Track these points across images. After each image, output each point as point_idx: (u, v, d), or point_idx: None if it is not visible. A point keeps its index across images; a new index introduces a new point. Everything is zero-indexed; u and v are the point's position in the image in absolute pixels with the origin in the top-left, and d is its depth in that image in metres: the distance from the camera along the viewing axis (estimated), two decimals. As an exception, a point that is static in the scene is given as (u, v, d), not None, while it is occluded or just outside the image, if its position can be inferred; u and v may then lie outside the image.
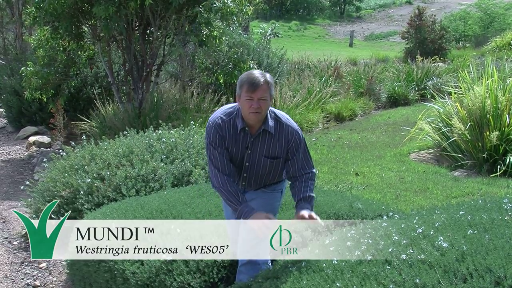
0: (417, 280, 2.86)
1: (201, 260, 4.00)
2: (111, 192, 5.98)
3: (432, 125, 10.44)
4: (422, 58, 20.31)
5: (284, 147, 3.95)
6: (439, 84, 17.98)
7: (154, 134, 7.15)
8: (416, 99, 18.00)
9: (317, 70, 19.13)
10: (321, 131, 13.66)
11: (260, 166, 3.99)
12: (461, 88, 10.31)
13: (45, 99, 11.26)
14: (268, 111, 3.90)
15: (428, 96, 16.80)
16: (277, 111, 4.01)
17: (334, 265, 3.28)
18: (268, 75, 3.86)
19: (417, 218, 3.89)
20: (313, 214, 3.80)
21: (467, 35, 34.72)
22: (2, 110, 14.69)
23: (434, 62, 20.84)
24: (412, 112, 15.57)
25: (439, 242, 3.16)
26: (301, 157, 3.99)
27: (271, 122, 3.91)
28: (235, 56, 12.88)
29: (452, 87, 11.25)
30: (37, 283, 5.67)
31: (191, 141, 6.88)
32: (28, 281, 5.73)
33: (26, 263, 6.12)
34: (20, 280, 5.76)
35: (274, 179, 4.14)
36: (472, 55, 24.63)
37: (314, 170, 4.07)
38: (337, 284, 3.05)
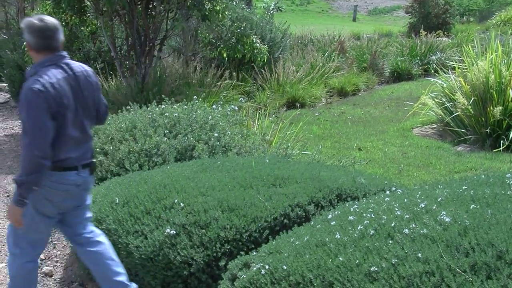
0: (420, 255, 2.88)
1: (205, 235, 4.02)
2: (115, 166, 6.00)
3: (436, 100, 10.42)
4: (425, 32, 20.21)
5: None
6: (443, 59, 17.90)
7: (157, 108, 7.14)
8: (419, 74, 17.96)
9: (321, 45, 19.04)
10: (324, 106, 13.65)
11: None
12: (464, 63, 10.26)
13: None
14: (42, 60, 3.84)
15: (432, 71, 16.72)
16: (43, 68, 3.83)
17: (337, 240, 3.29)
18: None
19: (419, 192, 3.90)
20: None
21: (471, 10, 34.47)
22: (5, 84, 14.69)
23: (438, 37, 20.76)
24: (416, 87, 15.54)
25: (442, 217, 3.17)
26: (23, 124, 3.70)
27: (30, 70, 3.84)
28: (238, 30, 12.82)
29: (456, 62, 11.21)
30: (42, 256, 5.69)
31: (194, 115, 6.87)
32: (33, 254, 5.75)
33: (31, 237, 6.15)
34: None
35: None
36: (476, 30, 24.55)
37: (29, 145, 3.65)
38: (340, 259, 3.07)
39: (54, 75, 3.74)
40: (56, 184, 3.87)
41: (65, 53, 3.92)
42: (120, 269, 4.16)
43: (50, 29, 3.78)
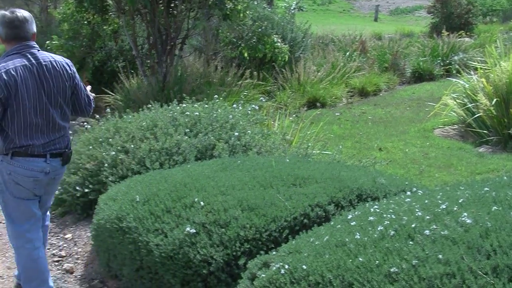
0: (440, 256, 2.86)
1: (225, 234, 4.02)
2: (135, 165, 6.02)
3: (457, 100, 10.35)
4: (448, 33, 20.06)
5: None
6: (465, 59, 17.76)
7: (178, 107, 7.15)
8: (441, 75, 17.83)
9: (342, 44, 18.98)
10: (345, 106, 13.61)
11: None
12: (487, 64, 10.18)
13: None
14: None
15: (454, 72, 16.62)
16: (7, 56, 4.03)
17: (357, 240, 3.28)
18: None
19: (441, 194, 3.87)
20: None
21: (494, 10, 34.15)
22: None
23: (460, 37, 20.59)
24: (437, 88, 15.44)
25: (463, 218, 3.14)
26: None
27: None
28: (259, 30, 12.83)
29: (478, 63, 11.12)
30: (63, 253, 5.74)
31: (215, 114, 6.88)
32: (54, 251, 5.80)
33: (52, 234, 6.20)
34: (46, 250, 5.82)
35: None
36: (499, 30, 24.31)
37: None
38: (360, 259, 3.05)
39: (13, 63, 3.90)
40: (22, 169, 3.96)
41: (33, 43, 4.06)
42: None
43: (18, 20, 3.95)
